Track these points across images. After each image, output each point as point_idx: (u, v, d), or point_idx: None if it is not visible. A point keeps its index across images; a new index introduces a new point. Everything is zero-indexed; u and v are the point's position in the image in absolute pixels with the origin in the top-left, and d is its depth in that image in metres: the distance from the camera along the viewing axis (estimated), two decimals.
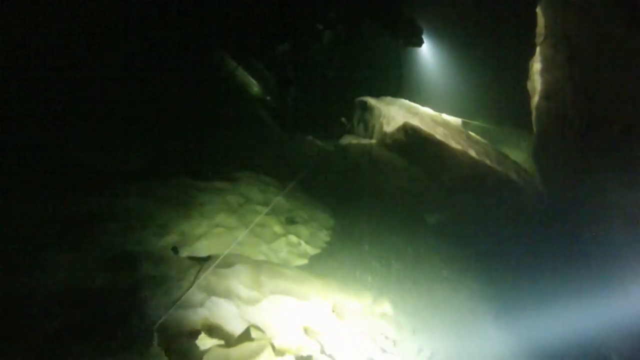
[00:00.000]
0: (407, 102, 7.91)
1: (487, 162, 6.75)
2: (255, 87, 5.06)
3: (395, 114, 7.18)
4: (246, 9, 4.91)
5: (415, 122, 6.89)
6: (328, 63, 5.37)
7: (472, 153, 6.67)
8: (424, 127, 6.81)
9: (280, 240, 4.97)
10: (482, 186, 6.40)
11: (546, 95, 5.90)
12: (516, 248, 5.39)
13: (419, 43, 5.38)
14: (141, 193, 4.59)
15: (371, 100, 7.58)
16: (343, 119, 8.35)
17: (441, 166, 6.56)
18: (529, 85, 6.78)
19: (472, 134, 7.90)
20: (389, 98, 7.96)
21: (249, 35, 4.94)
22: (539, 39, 6.45)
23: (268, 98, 4.99)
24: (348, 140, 7.59)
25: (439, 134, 6.75)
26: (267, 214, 5.17)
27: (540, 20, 6.00)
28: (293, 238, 5.08)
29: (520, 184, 6.53)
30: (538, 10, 6.15)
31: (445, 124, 7.47)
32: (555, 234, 5.54)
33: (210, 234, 4.56)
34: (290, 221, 5.32)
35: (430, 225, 5.80)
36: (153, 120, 6.19)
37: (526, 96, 6.89)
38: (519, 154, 8.49)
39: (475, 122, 8.21)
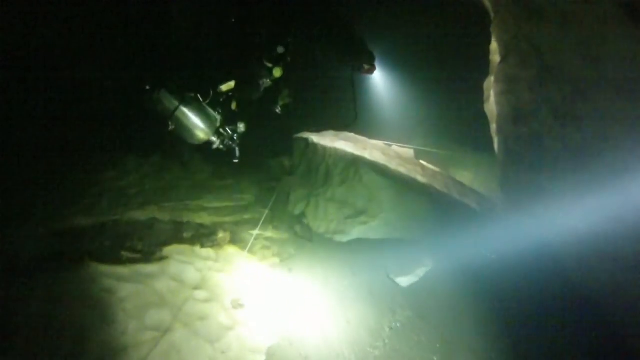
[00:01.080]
0: (352, 135, 6.98)
1: (447, 192, 5.99)
2: (198, 130, 4.40)
3: (338, 149, 6.22)
4: (192, 42, 4.57)
5: (366, 157, 5.97)
6: (276, 96, 4.87)
7: (436, 186, 5.84)
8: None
9: (227, 336, 3.84)
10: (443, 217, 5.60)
11: (514, 119, 5.12)
12: None
13: (371, 70, 4.71)
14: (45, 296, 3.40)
15: (312, 137, 6.57)
16: (282, 159, 7.32)
17: None
18: (487, 108, 6.04)
19: (425, 163, 7.11)
20: (331, 132, 6.99)
21: (193, 70, 4.54)
22: (495, 56, 5.73)
23: (213, 139, 4.44)
24: (290, 184, 6.52)
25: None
26: (207, 300, 4.08)
27: (500, 35, 5.25)
28: (243, 331, 3.95)
29: (481, 213, 5.78)
30: (494, 25, 5.42)
31: (398, 156, 6.60)
32: None
33: (139, 342, 3.44)
34: (238, 305, 4.18)
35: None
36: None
37: (485, 120, 6.18)
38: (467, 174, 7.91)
39: (428, 150, 7.49)
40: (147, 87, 4.11)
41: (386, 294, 4.59)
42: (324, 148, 6.26)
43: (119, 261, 4.09)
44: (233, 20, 4.26)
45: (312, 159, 6.42)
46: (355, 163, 5.77)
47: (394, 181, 5.55)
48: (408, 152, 6.92)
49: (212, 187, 6.70)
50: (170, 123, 4.18)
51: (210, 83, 4.41)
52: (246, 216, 5.92)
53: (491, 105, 5.85)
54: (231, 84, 4.40)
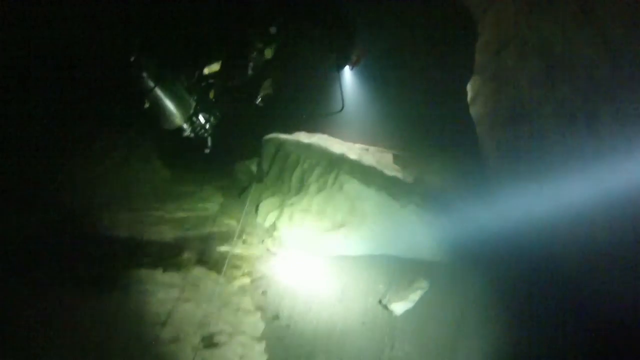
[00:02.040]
0: (327, 137, 6.37)
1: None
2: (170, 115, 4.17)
3: (313, 153, 5.63)
4: (178, 20, 4.35)
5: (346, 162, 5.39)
6: (257, 88, 4.66)
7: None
8: None
9: None
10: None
11: (511, 119, 4.67)
12: None
13: (359, 62, 4.61)
14: None
15: (284, 139, 5.94)
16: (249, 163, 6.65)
17: None
18: (473, 110, 5.57)
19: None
20: (303, 133, 6.37)
21: (177, 50, 4.33)
22: (483, 55, 5.27)
23: (184, 126, 4.17)
24: (259, 192, 5.87)
25: None
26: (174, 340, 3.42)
27: (493, 32, 4.78)
28: None
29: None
30: (484, 21, 4.95)
31: (378, 162, 6.05)
32: None
33: None
34: (210, 343, 3.53)
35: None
36: None
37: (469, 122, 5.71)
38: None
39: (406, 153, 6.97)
40: (132, 59, 3.82)
41: (381, 324, 4.01)
42: (298, 152, 5.65)
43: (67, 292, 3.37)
44: None
45: (284, 164, 5.79)
46: (334, 169, 5.18)
47: (378, 189, 4.98)
48: (386, 156, 6.37)
49: (174, 194, 6.01)
50: (146, 101, 3.94)
51: (195, 64, 4.20)
52: (212, 229, 5.25)
53: (479, 106, 5.39)
54: (215, 67, 4.18)
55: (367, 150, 6.36)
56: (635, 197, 3.51)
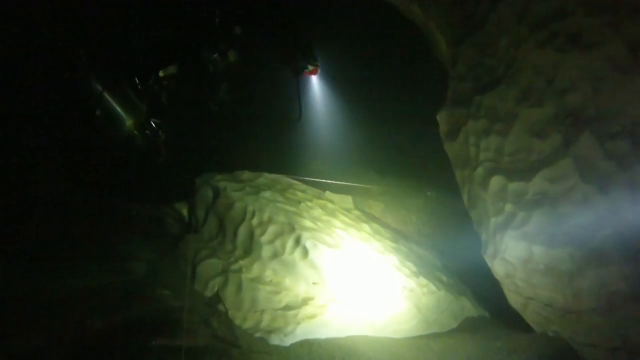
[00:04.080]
0: (278, 177, 5.37)
1: None
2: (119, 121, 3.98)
3: (266, 204, 4.63)
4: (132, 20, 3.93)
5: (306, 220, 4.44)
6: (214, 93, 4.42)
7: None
8: None
9: None
10: None
11: (507, 174, 3.99)
12: None
13: (315, 72, 4.44)
14: None
15: (225, 183, 4.86)
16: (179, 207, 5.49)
17: None
18: (450, 147, 4.85)
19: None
20: (246, 173, 5.31)
21: (129, 53, 3.97)
22: (466, 83, 4.56)
23: (135, 133, 3.92)
24: (195, 248, 4.76)
25: None
26: None
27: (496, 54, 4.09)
28: None
29: None
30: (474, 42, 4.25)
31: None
32: None
33: None
34: None
35: None
36: None
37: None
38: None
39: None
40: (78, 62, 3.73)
41: None
42: (244, 201, 4.60)
43: None
44: None
45: (225, 215, 4.72)
46: (294, 228, 4.21)
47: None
48: (345, 199, 5.49)
49: (92, 251, 4.68)
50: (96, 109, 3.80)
51: (149, 66, 3.99)
52: (142, 308, 4.08)
53: (459, 145, 4.66)
54: (172, 69, 4.02)
55: (323, 192, 5.43)
56: None
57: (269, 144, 7.10)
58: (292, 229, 4.21)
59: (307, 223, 4.28)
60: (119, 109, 3.83)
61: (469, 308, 4.69)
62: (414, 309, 4.25)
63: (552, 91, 3.85)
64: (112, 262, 4.66)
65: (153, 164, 4.41)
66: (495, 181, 4.27)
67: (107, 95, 3.72)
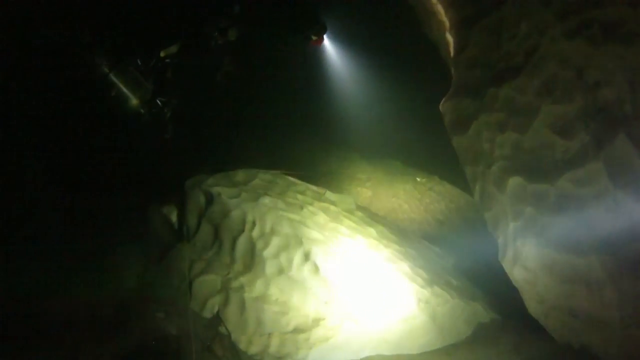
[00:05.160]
0: (273, 178, 4.94)
1: None
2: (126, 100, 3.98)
3: (267, 212, 4.23)
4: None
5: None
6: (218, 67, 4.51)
7: None
8: None
9: None
10: None
11: (527, 174, 3.69)
12: None
13: (320, 42, 4.65)
14: None
15: (219, 189, 4.43)
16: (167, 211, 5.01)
17: None
18: (458, 141, 4.52)
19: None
20: (240, 174, 4.86)
21: (131, 33, 4.08)
22: (476, 69, 4.24)
23: (142, 111, 4.02)
24: (188, 259, 4.34)
25: None
26: None
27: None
28: None
29: None
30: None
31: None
32: None
33: None
34: None
35: None
36: None
37: None
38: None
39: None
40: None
41: None
42: (243, 209, 4.19)
43: None
44: None
45: (220, 224, 4.31)
46: (300, 241, 3.83)
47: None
48: (345, 199, 5.10)
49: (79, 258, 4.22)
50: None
51: (152, 45, 4.10)
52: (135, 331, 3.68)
53: (469, 139, 4.32)
54: (173, 49, 4.13)
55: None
56: None
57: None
58: (299, 241, 3.83)
59: (314, 234, 3.91)
60: (125, 89, 3.96)
61: (480, 313, 4.45)
62: (429, 322, 3.97)
63: (582, 84, 3.52)
64: (100, 272, 4.28)
65: (160, 140, 4.51)
66: (514, 182, 3.96)
67: (113, 77, 3.86)
